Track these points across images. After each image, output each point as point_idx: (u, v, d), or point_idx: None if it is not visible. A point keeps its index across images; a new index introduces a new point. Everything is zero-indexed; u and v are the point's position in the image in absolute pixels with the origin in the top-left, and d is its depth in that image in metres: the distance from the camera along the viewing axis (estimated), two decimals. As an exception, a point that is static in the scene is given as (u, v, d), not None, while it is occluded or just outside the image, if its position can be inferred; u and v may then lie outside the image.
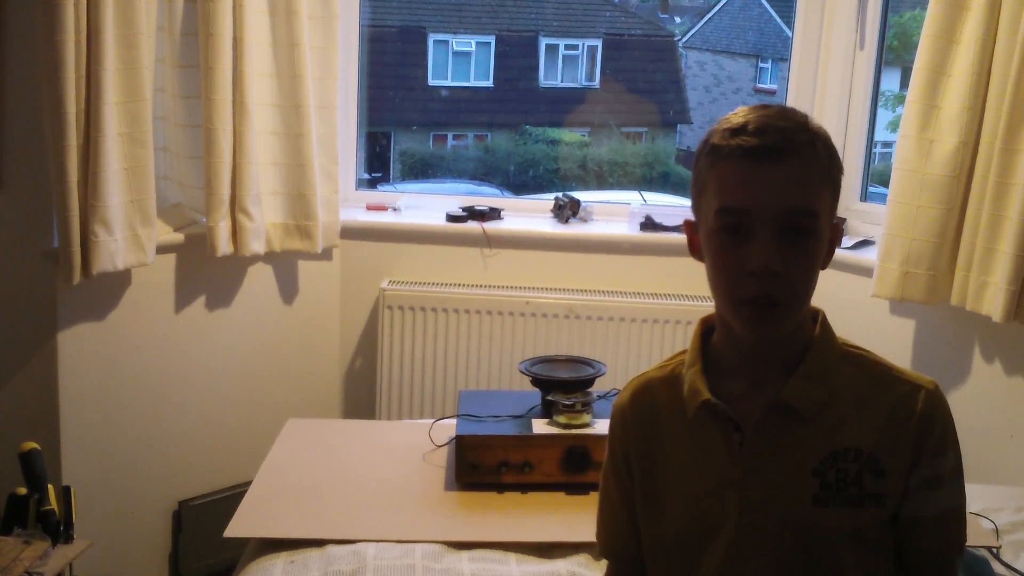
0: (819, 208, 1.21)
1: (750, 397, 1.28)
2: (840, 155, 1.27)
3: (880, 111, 3.17)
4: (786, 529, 1.26)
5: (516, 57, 4.05)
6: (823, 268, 1.25)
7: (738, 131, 1.21)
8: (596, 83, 4.03)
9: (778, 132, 1.20)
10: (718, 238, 1.23)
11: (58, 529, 2.02)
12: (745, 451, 1.27)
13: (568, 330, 3.05)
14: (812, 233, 1.21)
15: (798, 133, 1.21)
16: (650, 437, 1.36)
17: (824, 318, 1.32)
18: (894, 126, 3.08)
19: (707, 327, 1.36)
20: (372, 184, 3.62)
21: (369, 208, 3.27)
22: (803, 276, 1.22)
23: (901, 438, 1.25)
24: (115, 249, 2.47)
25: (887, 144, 3.23)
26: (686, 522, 1.32)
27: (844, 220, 1.32)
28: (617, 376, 2.91)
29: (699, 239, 1.29)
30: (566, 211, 3.24)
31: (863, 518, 1.25)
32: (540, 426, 2.18)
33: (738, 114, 1.23)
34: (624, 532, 1.41)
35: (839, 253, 1.32)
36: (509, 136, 4.14)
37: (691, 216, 1.32)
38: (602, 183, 4.00)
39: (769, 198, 1.19)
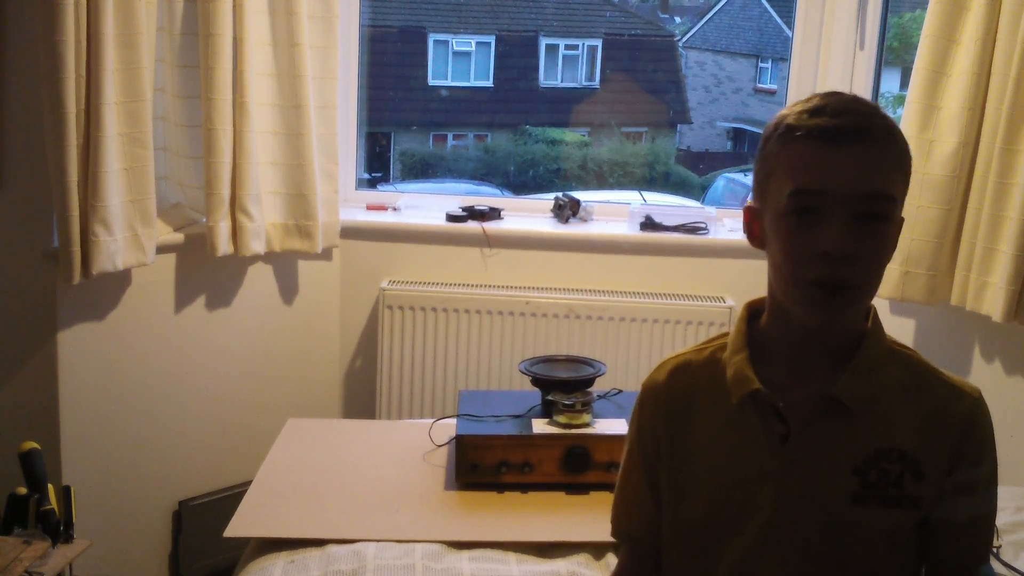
0: (895, 193, 1.19)
1: (794, 387, 1.26)
2: None
3: (880, 112, 3.16)
4: (819, 526, 1.24)
5: (516, 57, 4.05)
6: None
7: (817, 112, 1.18)
8: (596, 83, 4.03)
9: (857, 115, 1.18)
10: (788, 220, 1.19)
11: (58, 529, 2.02)
12: (789, 444, 1.24)
13: (568, 330, 3.05)
14: (886, 219, 1.19)
15: (876, 118, 1.19)
16: (684, 419, 1.33)
17: (875, 312, 1.30)
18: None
19: (752, 312, 1.33)
20: (372, 184, 3.62)
21: (369, 208, 3.27)
22: (875, 262, 1.20)
23: (942, 442, 1.24)
24: (115, 249, 2.47)
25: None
26: (713, 509, 1.29)
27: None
28: (617, 376, 2.91)
29: (759, 225, 1.26)
30: (566, 211, 3.24)
31: (898, 520, 1.23)
32: (540, 426, 2.18)
33: (812, 99, 1.21)
34: (645, 515, 1.38)
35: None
36: (509, 136, 4.13)
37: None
38: (602, 183, 4.00)
39: (846, 180, 1.16)
